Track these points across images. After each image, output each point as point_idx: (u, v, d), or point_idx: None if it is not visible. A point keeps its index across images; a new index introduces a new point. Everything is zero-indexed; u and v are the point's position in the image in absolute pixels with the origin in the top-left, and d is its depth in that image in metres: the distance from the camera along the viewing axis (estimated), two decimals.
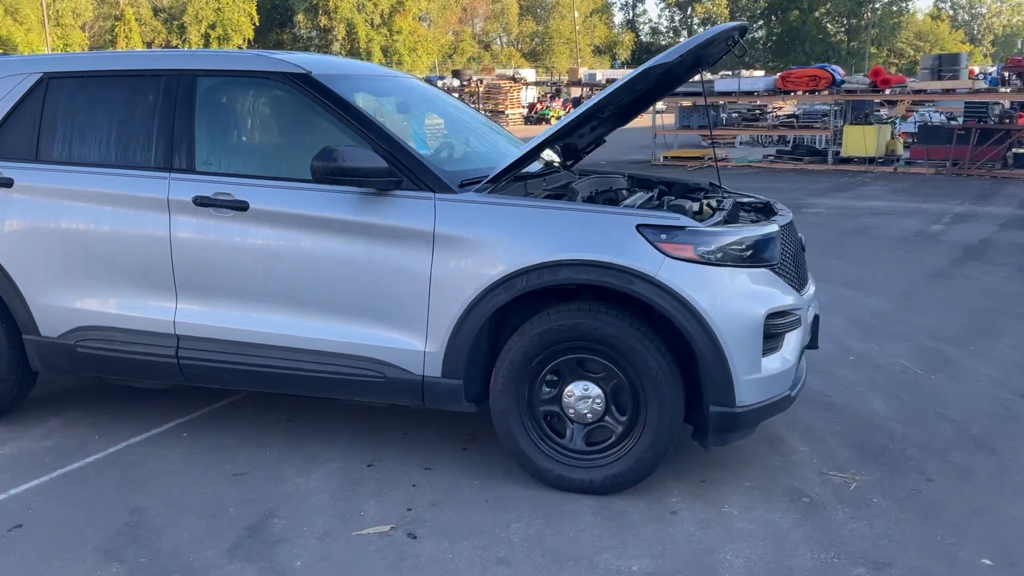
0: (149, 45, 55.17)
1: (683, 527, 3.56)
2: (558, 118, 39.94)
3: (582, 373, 3.78)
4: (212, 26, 56.68)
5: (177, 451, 4.29)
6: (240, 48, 55.23)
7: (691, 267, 3.62)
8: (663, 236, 3.65)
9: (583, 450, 3.84)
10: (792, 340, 3.86)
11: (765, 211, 4.49)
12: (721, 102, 21.15)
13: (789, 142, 20.88)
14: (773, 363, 3.74)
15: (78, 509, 3.72)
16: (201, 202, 4.06)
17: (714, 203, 4.50)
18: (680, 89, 23.00)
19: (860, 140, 18.32)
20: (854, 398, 5.01)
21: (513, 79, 47.14)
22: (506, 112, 36.55)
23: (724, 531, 3.53)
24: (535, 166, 4.55)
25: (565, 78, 61.15)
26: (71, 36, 51.41)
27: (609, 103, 4.08)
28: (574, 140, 5.05)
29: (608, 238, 3.69)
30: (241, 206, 4.01)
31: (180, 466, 4.12)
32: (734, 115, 22.38)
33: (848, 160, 18.70)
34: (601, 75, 53.21)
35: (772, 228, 3.87)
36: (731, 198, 4.67)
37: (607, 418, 3.79)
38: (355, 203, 3.90)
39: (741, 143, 22.88)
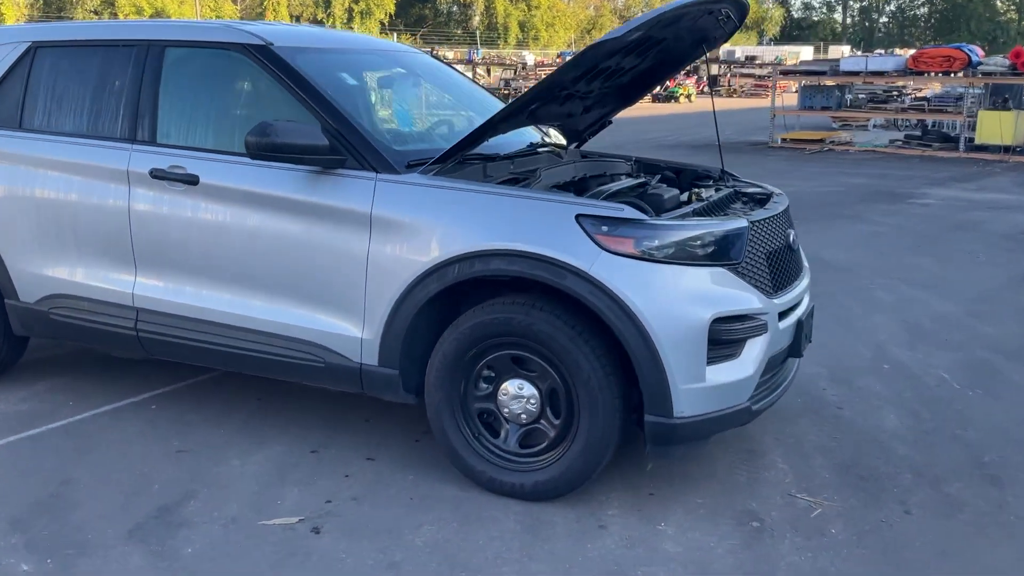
0: (297, 19, 56.91)
1: (604, 544, 3.28)
2: (688, 96, 38.93)
3: (518, 371, 3.54)
4: (356, 1, 57.95)
5: (137, 424, 4.29)
6: (382, 23, 56.36)
7: (629, 263, 3.31)
8: (604, 228, 3.35)
9: (516, 452, 3.60)
10: (755, 348, 3.50)
11: (764, 203, 4.11)
12: (847, 83, 20.01)
13: (929, 126, 19.53)
14: (723, 372, 3.40)
15: (13, 477, 3.75)
16: (156, 175, 4.01)
17: (706, 193, 4.15)
18: (803, 67, 21.91)
19: (996, 127, 16.94)
20: (867, 412, 4.55)
21: None
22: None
23: (646, 552, 3.24)
24: (516, 147, 4.30)
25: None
26: (223, 8, 53.55)
27: (561, 83, 3.76)
28: (573, 122, 4.77)
29: (543, 228, 3.42)
30: (192, 180, 3.94)
31: (132, 439, 4.12)
32: (860, 96, 21.15)
33: (983, 148, 17.34)
34: (740, 51, 51.58)
35: (736, 224, 3.51)
36: (732, 188, 4.30)
37: (542, 420, 3.55)
38: (300, 181, 3.76)
39: (875, 126, 21.59)
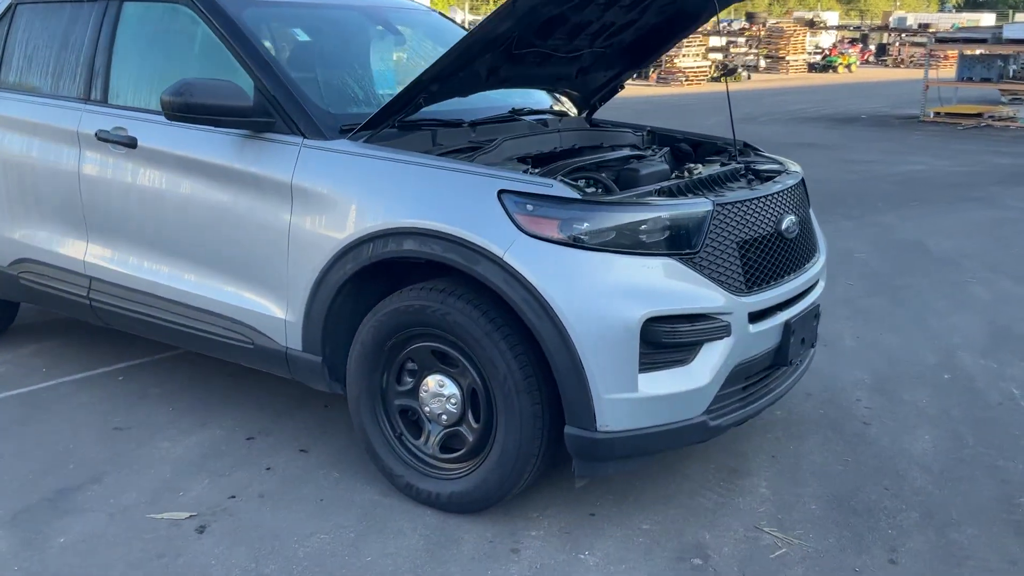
0: None
1: (507, 571, 2.84)
2: (848, 67, 36.70)
3: (439, 366, 3.12)
4: None
5: (94, 395, 4.13)
6: None
7: (552, 250, 2.83)
8: (529, 207, 2.88)
9: (436, 457, 3.20)
10: (713, 353, 2.95)
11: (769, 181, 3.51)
12: (1014, 51, 18.16)
13: None
14: (664, 381, 2.87)
15: None
16: (101, 137, 3.80)
17: (702, 169, 3.59)
18: (962, 35, 19.98)
19: None
20: (898, 430, 3.88)
21: (810, 23, 43.99)
22: (786, 58, 34.03)
23: None
24: (492, 112, 3.85)
25: (877, 22, 56.30)
26: None
27: (498, 38, 3.25)
28: (575, 87, 4.26)
29: (461, 204, 2.98)
30: (132, 143, 3.70)
31: (78, 412, 3.96)
32: None
33: None
34: (913, 19, 48.21)
35: (694, 207, 2.96)
36: (742, 164, 3.71)
37: (464, 423, 3.12)
38: (230, 146, 3.46)
39: None
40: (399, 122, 3.37)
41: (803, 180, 3.67)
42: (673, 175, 3.52)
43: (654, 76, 30.35)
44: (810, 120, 18.85)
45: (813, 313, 3.41)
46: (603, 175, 3.44)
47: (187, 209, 3.57)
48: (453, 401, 3.09)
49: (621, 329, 2.78)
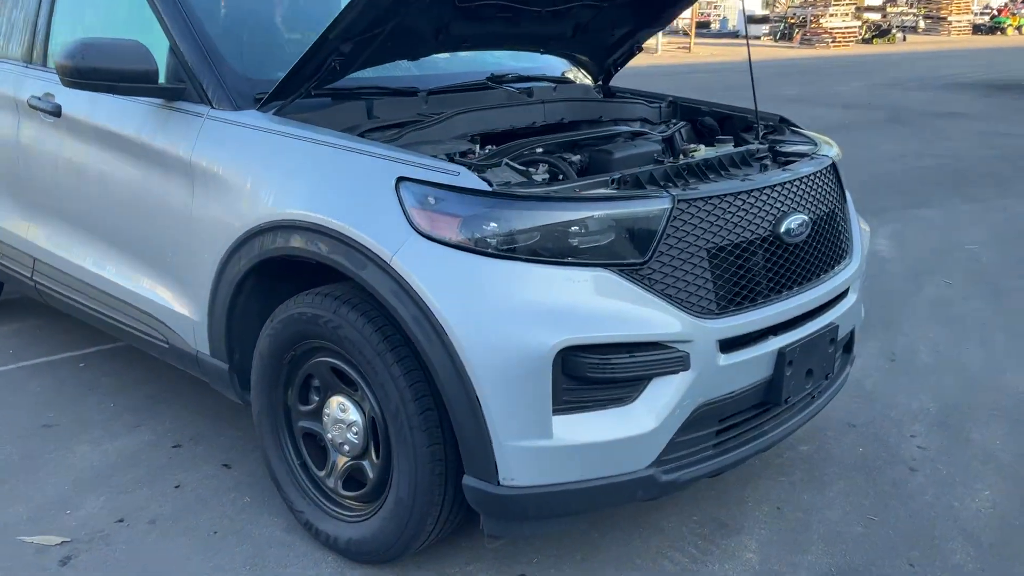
0: None
1: None
2: (1017, 28, 33.63)
3: (342, 387, 2.59)
4: None
5: (43, 383, 3.83)
6: None
7: (447, 255, 2.25)
8: (431, 200, 2.30)
9: (339, 493, 2.69)
10: (664, 391, 2.31)
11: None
12: None
13: None
14: (592, 425, 2.26)
15: None
16: (32, 104, 3.43)
17: (705, 151, 2.93)
18: None
19: None
20: (951, 482, 3.12)
21: None
22: (948, 19, 31.39)
23: None
24: (463, 79, 3.26)
25: None
26: None
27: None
28: (585, 50, 3.61)
29: (353, 193, 2.43)
30: (56, 111, 3.31)
31: (19, 401, 3.66)
32: None
33: None
34: None
35: (646, 206, 2.31)
36: (767, 145, 3.02)
37: (368, 458, 2.59)
38: (142, 116, 3.02)
39: None
40: (323, 90, 2.83)
41: (834, 167, 2.92)
42: (668, 158, 2.87)
43: (798, 37, 28.62)
44: (963, 87, 17.16)
45: (828, 337, 2.69)
46: (576, 158, 2.82)
47: (105, 188, 3.17)
48: (355, 430, 2.56)
49: (529, 360, 2.17)
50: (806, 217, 2.61)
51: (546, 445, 2.22)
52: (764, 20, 34.04)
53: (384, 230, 2.30)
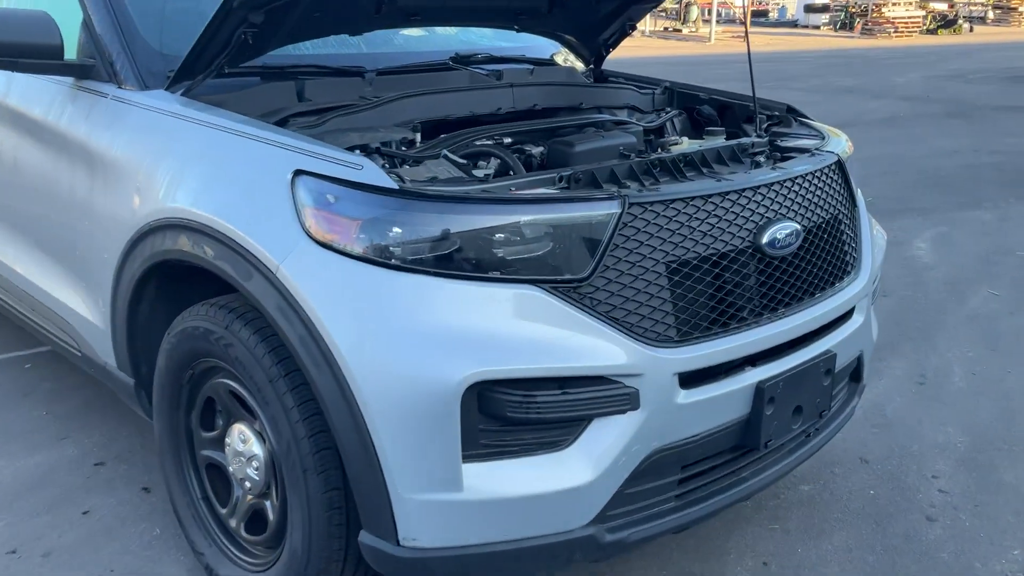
0: None
1: None
2: None
3: (244, 414, 2.23)
4: None
5: None
6: None
7: (341, 265, 1.86)
8: (330, 197, 1.91)
9: (241, 536, 2.32)
10: (607, 434, 1.90)
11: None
12: None
13: None
14: (512, 475, 1.86)
15: None
16: None
17: (689, 144, 2.53)
18: None
19: None
20: (975, 536, 2.67)
21: None
22: (1020, 8, 30.07)
23: None
24: (418, 60, 2.88)
25: None
26: None
27: None
28: (569, 28, 3.21)
29: (245, 187, 2.06)
30: None
31: None
32: None
33: None
34: None
35: (589, 211, 1.90)
36: (766, 139, 2.60)
37: (270, 498, 2.22)
38: (54, 97, 2.69)
39: None
40: (245, 68, 2.47)
41: (839, 165, 2.47)
42: (646, 153, 2.46)
43: (858, 27, 27.65)
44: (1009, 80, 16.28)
45: (823, 367, 2.25)
46: (538, 151, 2.43)
47: (17, 176, 2.87)
48: (255, 465, 2.19)
49: (432, 396, 1.78)
50: (796, 226, 2.18)
51: (455, 499, 1.83)
52: (824, 9, 32.96)
53: (273, 234, 1.93)
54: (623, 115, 3.02)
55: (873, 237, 2.64)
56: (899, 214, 6.25)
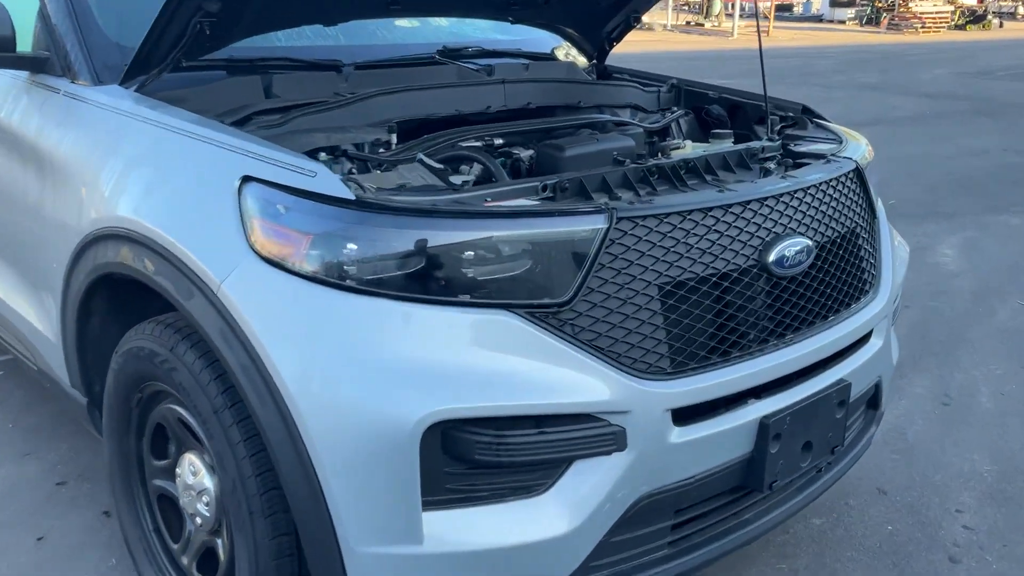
0: None
1: None
2: None
3: (194, 443, 2.02)
4: None
5: None
6: None
7: (290, 286, 1.65)
8: (280, 208, 1.71)
9: (192, 574, 2.12)
10: (589, 477, 1.69)
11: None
12: None
13: None
14: (480, 525, 1.65)
15: None
16: None
17: (691, 148, 2.32)
18: None
19: None
20: None
21: None
22: None
23: None
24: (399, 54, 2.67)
25: None
26: None
27: None
28: (569, 20, 2.99)
29: (189, 194, 1.86)
30: None
31: None
32: None
33: None
34: None
35: (571, 226, 1.69)
36: (777, 143, 2.37)
37: (221, 535, 2.02)
38: (7, 92, 2.50)
39: None
40: (206, 61, 2.26)
41: (858, 173, 2.23)
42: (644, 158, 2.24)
43: (885, 22, 27.19)
44: None
45: (836, 398, 2.02)
46: (527, 155, 2.22)
47: None
48: (206, 499, 1.99)
49: (387, 436, 1.57)
50: (808, 242, 1.95)
51: (414, 553, 1.62)
52: (850, 3, 32.47)
53: (216, 248, 1.73)
54: (625, 115, 2.80)
55: (894, 250, 2.41)
56: (923, 219, 5.97)
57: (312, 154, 2.02)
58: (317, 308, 1.62)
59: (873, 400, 2.33)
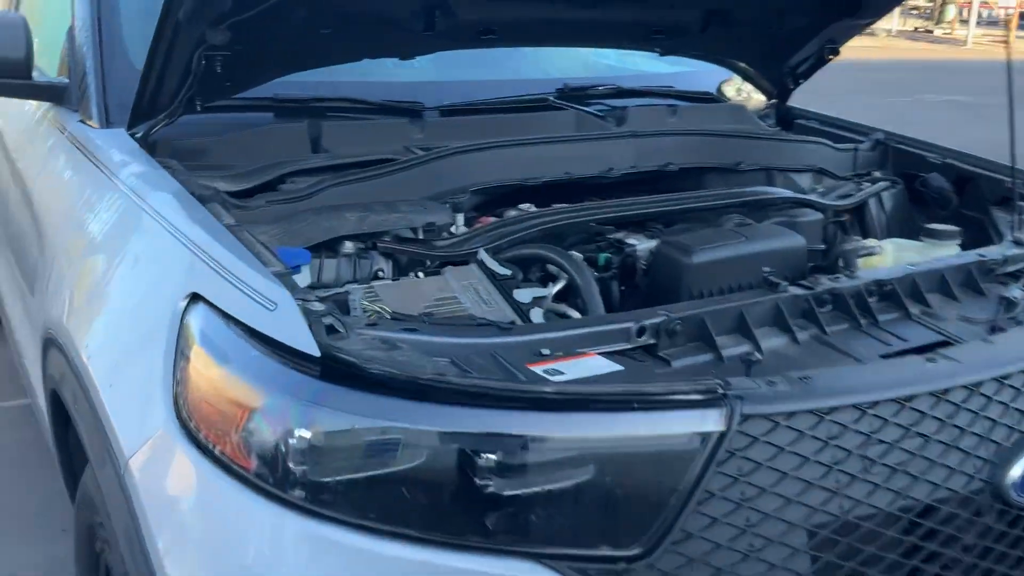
0: None
1: None
2: None
3: None
4: None
5: None
6: None
7: (214, 486, 1.07)
8: (224, 349, 1.13)
9: None
10: None
11: None
12: None
13: None
14: None
15: None
16: None
17: (919, 258, 1.59)
18: None
19: None
20: None
21: None
22: None
23: None
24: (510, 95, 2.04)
25: None
26: None
27: None
28: (741, 53, 2.27)
29: (133, 309, 1.32)
30: None
31: None
32: None
33: None
34: None
35: (659, 424, 1.01)
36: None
37: None
38: (26, 125, 2.09)
39: None
40: (236, 101, 1.73)
41: None
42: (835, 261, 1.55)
43: None
44: None
45: None
46: (645, 248, 1.57)
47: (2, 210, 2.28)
48: None
49: None
50: None
51: None
52: None
53: (135, 403, 1.17)
54: (804, 182, 2.05)
55: None
56: None
57: (333, 246, 1.44)
58: (246, 528, 1.03)
59: None
